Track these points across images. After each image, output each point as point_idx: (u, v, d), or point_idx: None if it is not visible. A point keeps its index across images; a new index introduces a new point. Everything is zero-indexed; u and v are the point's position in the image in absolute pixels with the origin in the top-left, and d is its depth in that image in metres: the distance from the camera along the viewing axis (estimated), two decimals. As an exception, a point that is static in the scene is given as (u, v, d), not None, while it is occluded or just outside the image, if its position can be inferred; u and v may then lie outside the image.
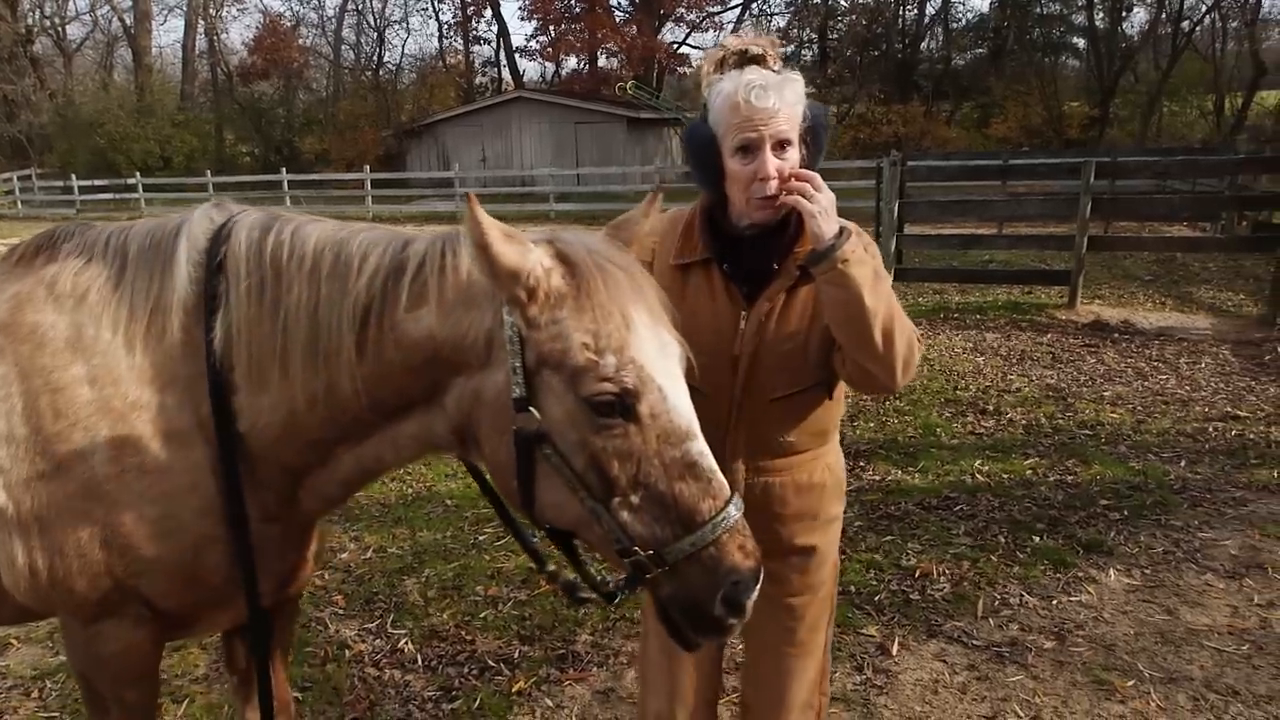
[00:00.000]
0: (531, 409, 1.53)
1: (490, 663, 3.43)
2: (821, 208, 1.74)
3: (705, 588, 1.52)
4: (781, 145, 1.83)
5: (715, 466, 1.56)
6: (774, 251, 1.93)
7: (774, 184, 1.82)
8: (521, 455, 1.56)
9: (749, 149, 1.83)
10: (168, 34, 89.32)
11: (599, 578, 1.75)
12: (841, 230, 1.75)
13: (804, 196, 1.74)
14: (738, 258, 1.95)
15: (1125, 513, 4.62)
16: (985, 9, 39.57)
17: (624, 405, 1.50)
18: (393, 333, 1.63)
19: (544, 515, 1.62)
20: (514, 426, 1.54)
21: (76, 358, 1.73)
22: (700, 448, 1.55)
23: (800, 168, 1.88)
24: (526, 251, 1.52)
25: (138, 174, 27.48)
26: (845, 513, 2.24)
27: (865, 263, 1.75)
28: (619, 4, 38.59)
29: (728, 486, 1.56)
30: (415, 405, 1.67)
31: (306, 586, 2.26)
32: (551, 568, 1.76)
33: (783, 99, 1.82)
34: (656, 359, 1.54)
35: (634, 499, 1.53)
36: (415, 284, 1.62)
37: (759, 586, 1.56)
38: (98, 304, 1.76)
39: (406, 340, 1.62)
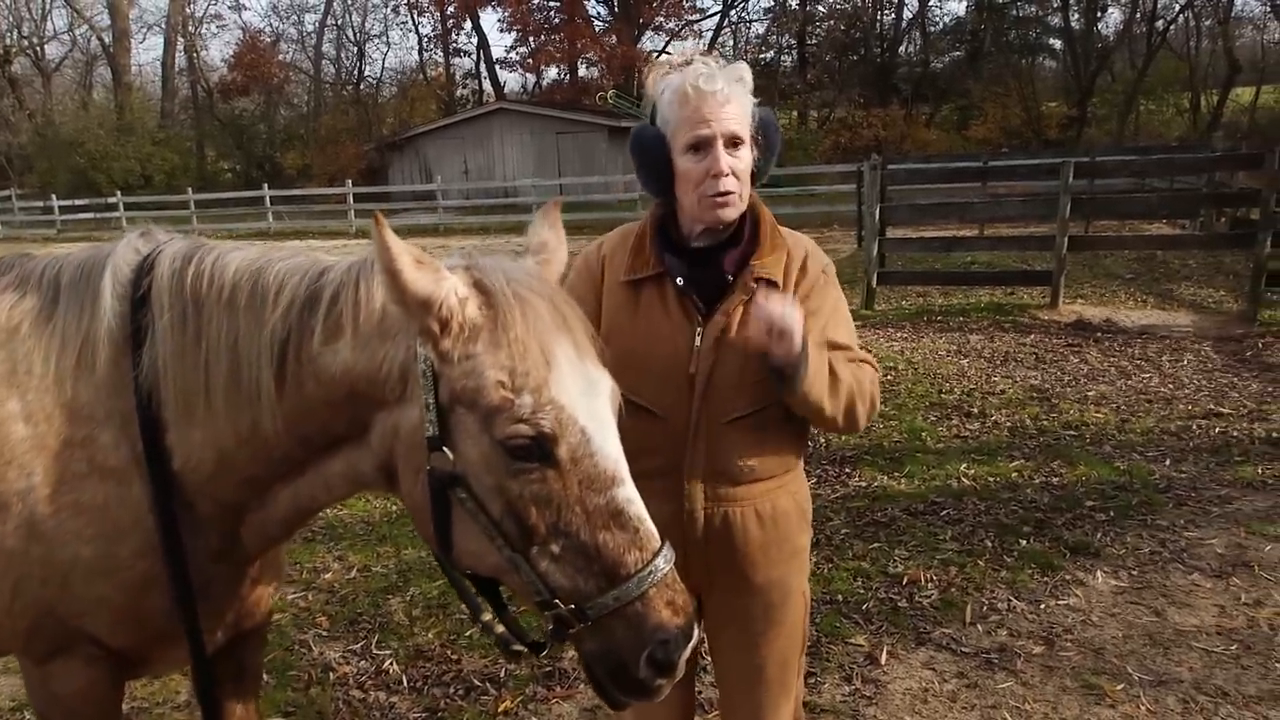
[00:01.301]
0: (445, 449, 1.44)
1: (476, 682, 3.38)
2: (792, 342, 1.69)
3: (630, 646, 1.43)
4: (734, 142, 1.79)
5: (644, 515, 1.48)
6: (728, 264, 1.87)
7: (728, 180, 1.78)
8: (436, 497, 1.47)
9: (700, 146, 1.78)
10: (147, 52, 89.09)
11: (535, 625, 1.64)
12: (802, 350, 1.71)
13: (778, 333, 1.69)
14: (691, 272, 1.88)
15: (1111, 513, 4.62)
16: (962, 12, 39.94)
17: (541, 449, 1.41)
18: (311, 366, 1.55)
19: (463, 561, 1.53)
20: (428, 466, 1.46)
21: (11, 393, 1.68)
22: (628, 494, 1.46)
23: (752, 168, 1.85)
24: (440, 279, 1.43)
25: (119, 193, 27.39)
26: (832, 520, 2.19)
27: (821, 373, 1.77)
28: (598, 14, 38.78)
29: (657, 537, 1.47)
30: (343, 442, 1.60)
31: (269, 620, 2.20)
32: (487, 617, 1.63)
33: (730, 86, 1.78)
34: (580, 398, 1.45)
35: (554, 548, 1.44)
36: (330, 316, 1.55)
37: (690, 646, 1.48)
38: (30, 337, 1.72)
39: (325, 374, 1.55)
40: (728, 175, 1.78)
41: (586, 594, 1.44)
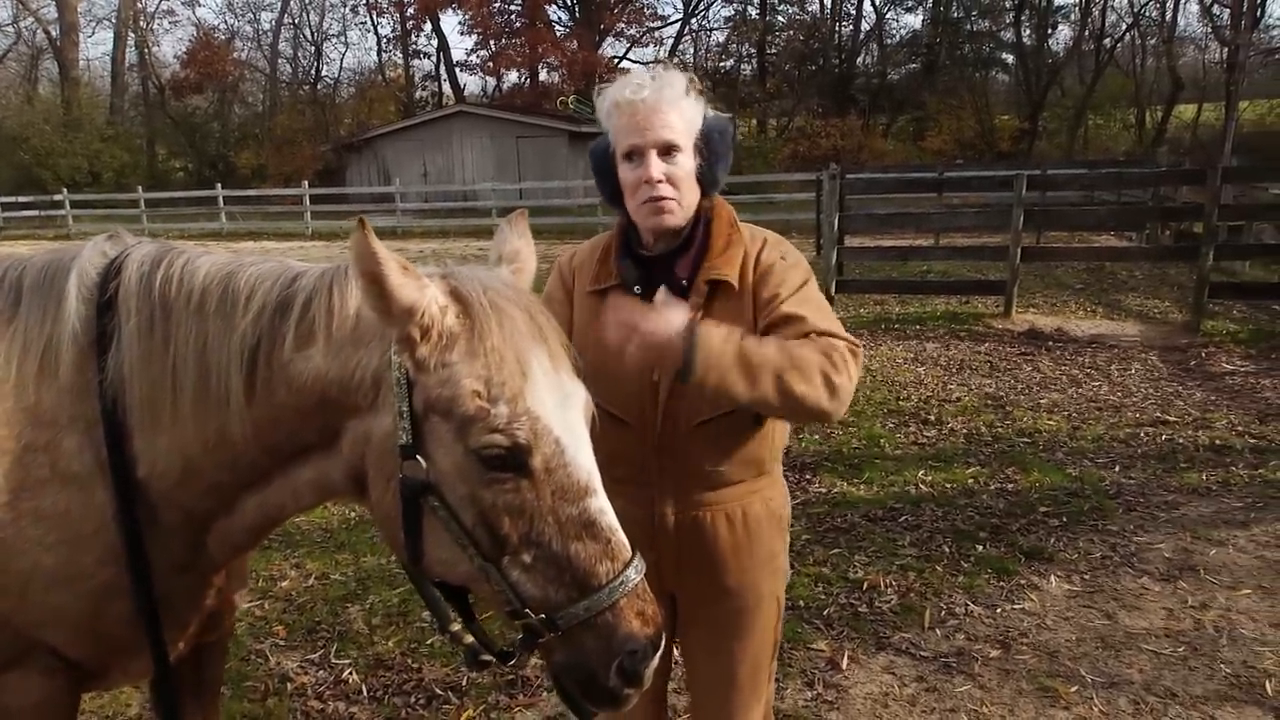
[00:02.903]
0: (418, 457, 1.43)
1: (438, 691, 3.35)
2: (649, 340, 1.62)
3: (599, 656, 1.44)
4: (669, 150, 1.81)
5: (616, 525, 1.48)
6: (680, 270, 1.89)
7: (662, 186, 1.80)
8: (407, 506, 1.46)
9: (633, 154, 1.81)
10: (96, 46, 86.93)
11: (498, 633, 1.62)
12: (690, 337, 1.62)
13: (632, 335, 1.63)
14: (648, 279, 1.89)
15: (1064, 519, 4.73)
16: (918, 25, 40.66)
17: (516, 459, 1.41)
18: (282, 373, 1.54)
19: (433, 571, 1.53)
20: (400, 474, 1.45)
21: None
22: (600, 505, 1.47)
23: (698, 174, 1.85)
24: (423, 287, 1.42)
25: (65, 190, 26.60)
26: (792, 526, 2.17)
27: (725, 365, 1.63)
28: (559, 19, 38.78)
29: (628, 547, 1.48)
30: (312, 449, 1.59)
31: (231, 629, 2.17)
32: (455, 627, 1.61)
33: (660, 93, 1.80)
34: (554, 409, 1.45)
35: (526, 558, 1.44)
36: (303, 322, 1.53)
37: (658, 656, 1.48)
38: None
39: (296, 381, 1.53)
40: (660, 181, 1.79)
41: (557, 604, 1.44)
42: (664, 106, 1.79)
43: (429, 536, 1.48)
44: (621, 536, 1.48)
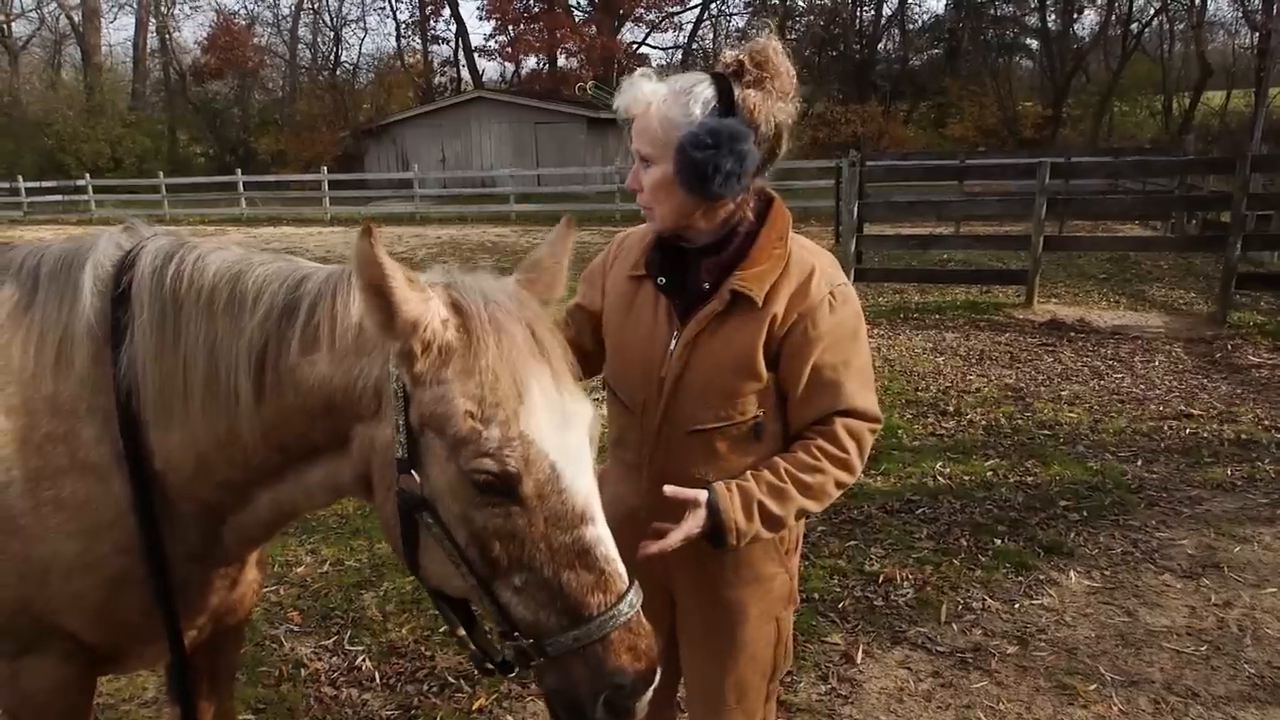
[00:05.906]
0: (414, 472, 1.42)
1: (450, 679, 3.35)
2: (678, 539, 1.68)
3: (587, 686, 1.42)
4: (643, 159, 1.77)
5: (612, 555, 1.44)
6: (704, 272, 1.79)
7: (641, 196, 1.79)
8: (404, 518, 1.45)
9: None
10: (118, 32, 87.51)
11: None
12: (714, 518, 1.68)
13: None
14: (675, 274, 1.84)
15: (1084, 513, 4.66)
16: (941, 10, 40.23)
17: (505, 485, 1.37)
18: (289, 377, 1.53)
19: (430, 582, 1.53)
20: (398, 487, 1.45)
21: None
22: (596, 533, 1.43)
23: (683, 185, 1.70)
24: (427, 299, 1.39)
25: (87, 175, 26.88)
26: (807, 519, 2.05)
27: (750, 532, 1.70)
28: (578, 4, 38.63)
29: (624, 578, 1.45)
30: (322, 451, 1.58)
31: (248, 617, 2.18)
32: (462, 632, 1.59)
33: (635, 100, 1.74)
34: (551, 433, 1.40)
35: (517, 581, 1.42)
36: (308, 328, 1.52)
37: (650, 691, 1.46)
38: (8, 329, 1.68)
39: (303, 386, 1.52)
40: (640, 190, 1.79)
41: (547, 630, 1.42)
42: (637, 116, 1.76)
43: (424, 550, 1.48)
44: (617, 567, 1.45)
